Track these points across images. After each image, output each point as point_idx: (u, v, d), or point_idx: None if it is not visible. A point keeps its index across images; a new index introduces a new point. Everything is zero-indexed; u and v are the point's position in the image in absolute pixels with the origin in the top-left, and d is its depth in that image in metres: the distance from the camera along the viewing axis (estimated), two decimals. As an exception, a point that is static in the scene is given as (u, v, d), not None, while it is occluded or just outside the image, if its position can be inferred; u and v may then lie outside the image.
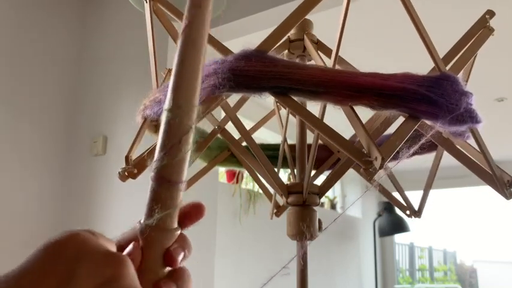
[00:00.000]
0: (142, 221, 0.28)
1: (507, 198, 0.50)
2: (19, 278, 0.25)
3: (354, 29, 1.95)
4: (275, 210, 0.76)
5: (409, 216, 0.55)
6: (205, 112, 0.49)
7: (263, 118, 0.83)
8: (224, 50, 0.52)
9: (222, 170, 2.77)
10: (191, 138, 0.28)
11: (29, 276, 0.25)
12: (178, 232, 0.29)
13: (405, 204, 0.59)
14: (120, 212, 1.79)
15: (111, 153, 1.90)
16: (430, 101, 0.44)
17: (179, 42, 0.30)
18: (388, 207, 4.41)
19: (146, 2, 0.58)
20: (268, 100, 0.50)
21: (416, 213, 0.55)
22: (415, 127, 0.45)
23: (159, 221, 0.27)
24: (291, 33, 0.68)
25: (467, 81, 0.60)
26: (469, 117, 0.47)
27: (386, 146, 0.43)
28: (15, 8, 1.95)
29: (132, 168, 0.51)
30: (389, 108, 0.45)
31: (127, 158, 0.52)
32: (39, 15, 2.05)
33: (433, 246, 7.89)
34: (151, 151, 0.53)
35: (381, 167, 0.41)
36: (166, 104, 0.29)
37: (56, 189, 2.01)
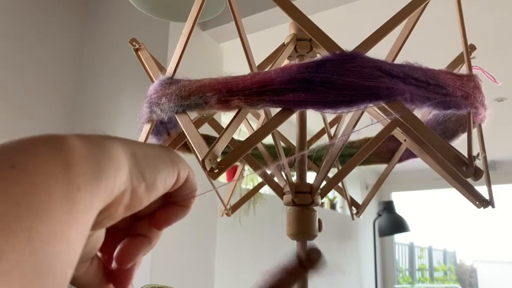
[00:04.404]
0: None
1: (466, 176, 0.42)
2: None
3: (354, 29, 1.95)
4: (355, 211, 0.73)
5: (478, 206, 0.52)
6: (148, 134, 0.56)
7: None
8: (157, 71, 0.59)
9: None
10: None
11: None
12: None
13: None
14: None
15: (111, 153, 1.90)
16: (303, 89, 0.41)
17: None
18: (387, 207, 4.38)
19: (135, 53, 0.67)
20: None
21: (488, 203, 0.52)
22: (285, 120, 0.43)
23: None
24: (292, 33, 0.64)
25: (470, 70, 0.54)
26: (369, 94, 0.40)
27: (235, 149, 0.43)
28: (14, 7, 1.95)
29: None
30: (260, 105, 0.42)
31: None
32: (39, 14, 2.05)
33: (433, 246, 7.90)
34: None
35: (204, 167, 0.41)
36: None
37: (55, 189, 2.00)
